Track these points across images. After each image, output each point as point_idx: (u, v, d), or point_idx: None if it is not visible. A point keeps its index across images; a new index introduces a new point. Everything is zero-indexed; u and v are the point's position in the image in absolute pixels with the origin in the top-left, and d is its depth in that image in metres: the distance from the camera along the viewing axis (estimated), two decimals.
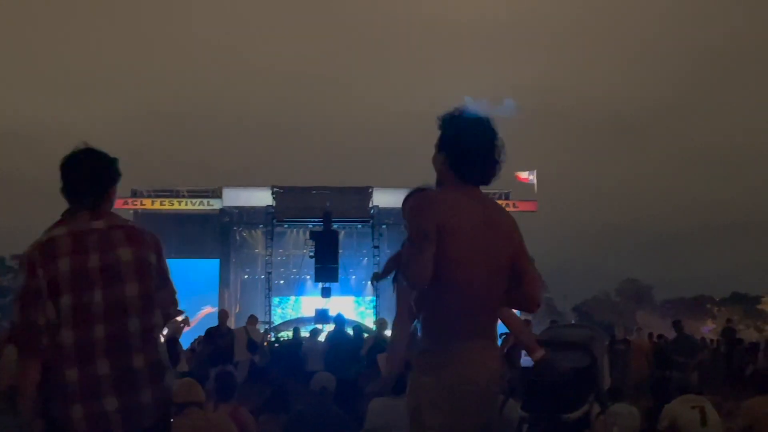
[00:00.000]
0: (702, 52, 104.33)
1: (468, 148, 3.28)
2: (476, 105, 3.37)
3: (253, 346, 13.42)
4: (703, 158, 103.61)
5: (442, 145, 3.32)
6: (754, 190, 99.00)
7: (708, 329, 41.11)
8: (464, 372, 3.12)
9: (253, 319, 14.93)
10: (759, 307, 51.42)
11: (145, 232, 3.36)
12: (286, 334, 21.59)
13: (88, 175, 3.31)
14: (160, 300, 3.33)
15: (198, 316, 14.09)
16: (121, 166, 3.44)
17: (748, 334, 35.99)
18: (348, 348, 12.65)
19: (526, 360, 4.52)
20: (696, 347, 15.09)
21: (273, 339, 21.99)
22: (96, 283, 3.11)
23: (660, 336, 18.89)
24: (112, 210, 3.38)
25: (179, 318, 3.54)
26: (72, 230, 3.20)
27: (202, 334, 15.54)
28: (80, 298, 3.08)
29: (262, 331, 17.10)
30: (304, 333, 16.61)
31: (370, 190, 29.72)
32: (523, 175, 30.14)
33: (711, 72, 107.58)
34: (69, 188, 3.30)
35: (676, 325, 14.90)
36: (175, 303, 3.48)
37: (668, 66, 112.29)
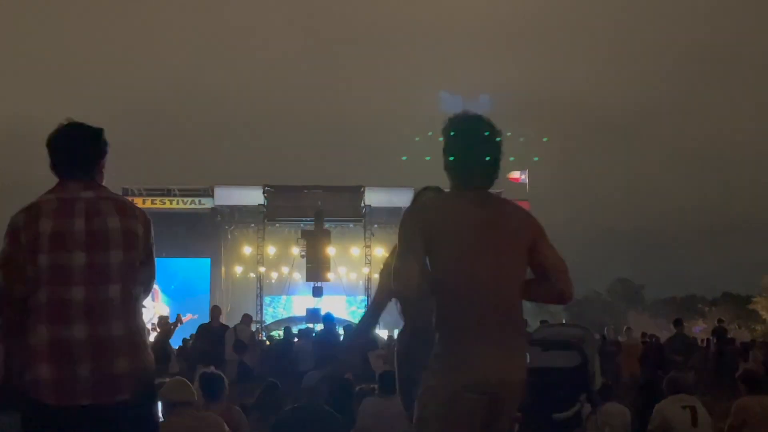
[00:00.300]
0: (689, 54, 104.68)
1: (461, 151, 3.28)
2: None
3: (240, 346, 13.41)
4: (693, 158, 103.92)
5: (443, 149, 3.33)
6: (743, 190, 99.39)
7: (699, 329, 41.19)
8: (470, 377, 3.08)
9: (247, 318, 14.90)
10: (750, 307, 51.55)
11: (135, 206, 3.33)
12: (278, 333, 21.59)
13: (78, 147, 3.28)
14: (142, 276, 3.28)
15: (184, 319, 14.07)
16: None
17: (739, 334, 36.06)
18: (338, 347, 12.67)
19: None
20: (694, 347, 15.16)
21: (264, 338, 21.99)
22: (79, 246, 3.06)
23: (651, 336, 18.91)
24: (103, 183, 3.33)
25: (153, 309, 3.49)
26: (60, 196, 3.17)
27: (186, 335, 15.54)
28: (58, 259, 3.03)
29: (253, 330, 17.05)
30: (295, 332, 16.62)
31: (362, 189, 29.74)
32: (515, 174, 30.20)
33: (698, 74, 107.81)
34: (59, 163, 3.27)
35: (677, 323, 14.99)
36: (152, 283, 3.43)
37: (655, 67, 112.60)
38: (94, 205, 3.16)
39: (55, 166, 3.28)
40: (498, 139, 3.29)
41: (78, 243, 3.06)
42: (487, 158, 3.26)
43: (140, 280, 3.26)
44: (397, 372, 4.69)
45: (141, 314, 3.26)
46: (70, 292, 3.01)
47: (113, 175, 3.46)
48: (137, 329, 3.18)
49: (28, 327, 3.02)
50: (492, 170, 3.28)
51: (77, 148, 3.28)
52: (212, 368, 6.55)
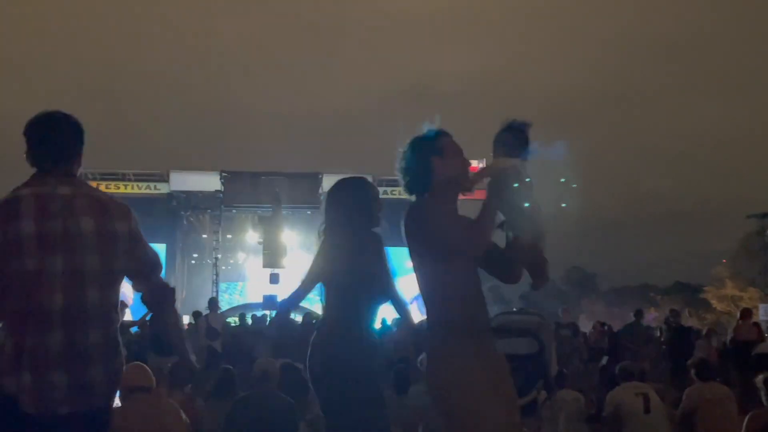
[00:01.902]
0: (644, 42, 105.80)
1: None
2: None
3: (213, 333, 13.60)
4: (644, 147, 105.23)
5: None
6: (694, 180, 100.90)
7: (651, 317, 41.73)
8: None
9: (213, 305, 15.11)
10: (701, 296, 52.26)
11: (111, 202, 3.19)
12: (233, 320, 21.50)
13: (59, 138, 3.18)
14: (136, 264, 3.21)
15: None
16: None
17: (690, 323, 36.63)
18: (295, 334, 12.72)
19: None
20: (650, 337, 15.47)
21: None
22: (58, 250, 2.95)
23: (603, 324, 19.09)
24: (78, 176, 3.25)
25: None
26: (37, 192, 3.04)
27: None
28: (43, 264, 2.92)
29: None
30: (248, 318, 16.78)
31: (320, 176, 29.64)
32: (473, 163, 30.24)
33: (653, 63, 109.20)
34: (36, 153, 3.16)
35: (638, 313, 15.45)
36: (156, 266, 3.35)
37: (610, 55, 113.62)
38: (69, 204, 3.04)
39: (32, 156, 3.17)
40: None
41: (58, 247, 2.96)
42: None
43: (135, 270, 3.22)
44: (308, 365, 4.55)
45: (117, 320, 3.15)
46: (52, 299, 2.91)
47: None
48: (114, 335, 3.10)
49: (10, 333, 2.92)
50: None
51: (58, 138, 3.17)
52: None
